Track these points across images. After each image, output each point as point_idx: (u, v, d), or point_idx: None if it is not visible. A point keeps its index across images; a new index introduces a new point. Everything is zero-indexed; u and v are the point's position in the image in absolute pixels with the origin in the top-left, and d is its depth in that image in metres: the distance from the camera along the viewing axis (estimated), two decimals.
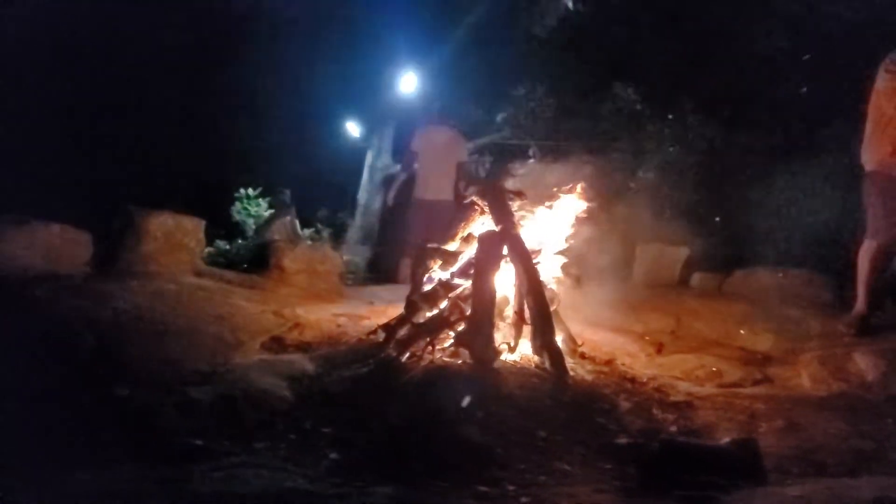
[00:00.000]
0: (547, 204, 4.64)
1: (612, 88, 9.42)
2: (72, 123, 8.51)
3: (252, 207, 9.99)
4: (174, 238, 5.42)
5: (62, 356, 3.29)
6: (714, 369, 4.45)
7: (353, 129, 12.05)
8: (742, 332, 5.34)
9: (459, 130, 7.48)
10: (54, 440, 2.51)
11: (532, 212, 4.63)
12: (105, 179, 8.13)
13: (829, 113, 7.58)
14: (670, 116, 9.20)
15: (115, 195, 6.60)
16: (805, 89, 8.34)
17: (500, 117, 10.47)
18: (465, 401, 3.06)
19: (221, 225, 9.21)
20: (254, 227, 9.78)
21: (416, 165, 7.05)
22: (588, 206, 4.61)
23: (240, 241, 9.27)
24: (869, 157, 4.69)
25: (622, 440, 2.99)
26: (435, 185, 6.81)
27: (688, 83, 9.01)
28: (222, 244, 8.93)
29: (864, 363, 4.05)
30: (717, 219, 8.20)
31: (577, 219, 4.66)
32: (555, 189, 4.64)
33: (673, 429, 3.30)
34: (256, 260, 6.30)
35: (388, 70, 10.57)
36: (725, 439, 2.79)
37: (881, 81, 4.53)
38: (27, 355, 3.10)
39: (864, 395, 3.81)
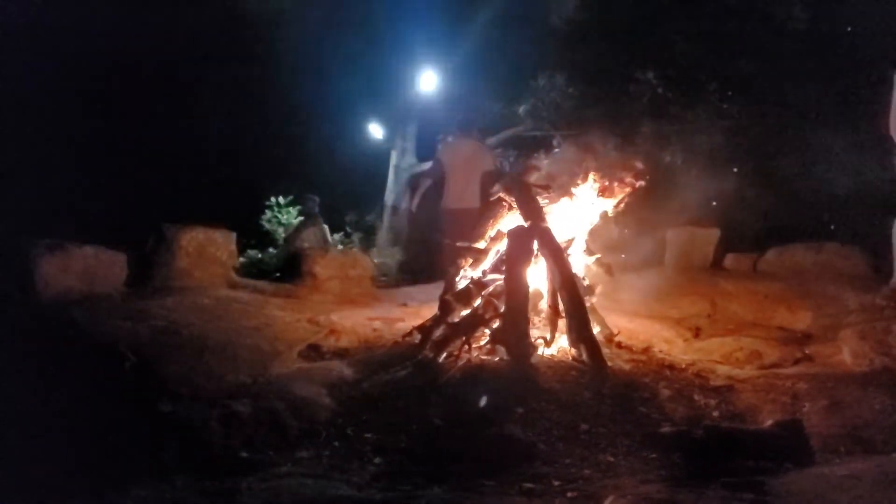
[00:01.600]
0: (574, 194, 4.62)
1: (633, 73, 9.32)
2: (98, 143, 8.66)
3: (282, 216, 10.07)
4: (206, 252, 5.51)
5: (106, 376, 3.36)
6: (753, 351, 4.39)
7: (375, 130, 12.09)
8: (778, 311, 5.27)
9: (483, 140, 7.53)
10: (104, 458, 2.58)
11: (560, 202, 4.61)
12: (133, 196, 8.25)
13: (858, 85, 7.42)
14: (694, 98, 9.08)
15: (145, 211, 6.71)
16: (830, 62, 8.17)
17: (521, 109, 10.43)
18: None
19: (251, 234, 9.30)
20: (283, 235, 9.86)
21: (444, 170, 7.08)
22: (623, 194, 4.58)
23: (270, 250, 9.36)
24: None
25: (665, 429, 2.96)
26: (462, 195, 6.85)
27: (710, 63, 8.88)
28: (254, 253, 9.02)
29: None
30: (745, 198, 8.08)
31: (608, 207, 4.63)
32: (590, 176, 4.60)
33: (715, 414, 3.27)
34: (288, 268, 6.35)
35: (407, 69, 10.60)
36: (769, 422, 2.76)
37: None
38: (72, 377, 3.19)
39: None
